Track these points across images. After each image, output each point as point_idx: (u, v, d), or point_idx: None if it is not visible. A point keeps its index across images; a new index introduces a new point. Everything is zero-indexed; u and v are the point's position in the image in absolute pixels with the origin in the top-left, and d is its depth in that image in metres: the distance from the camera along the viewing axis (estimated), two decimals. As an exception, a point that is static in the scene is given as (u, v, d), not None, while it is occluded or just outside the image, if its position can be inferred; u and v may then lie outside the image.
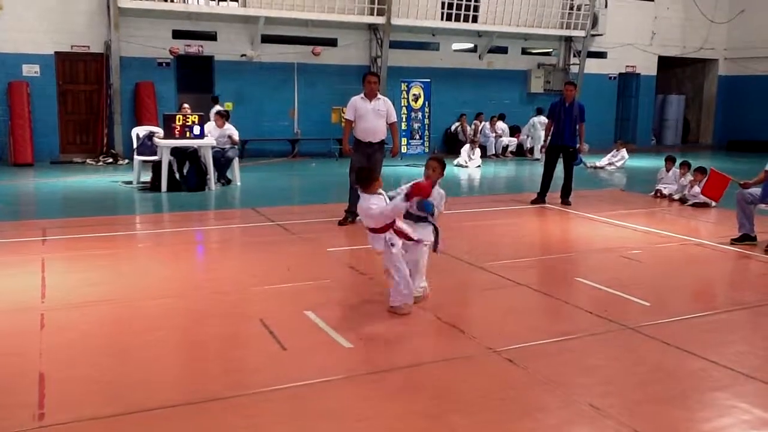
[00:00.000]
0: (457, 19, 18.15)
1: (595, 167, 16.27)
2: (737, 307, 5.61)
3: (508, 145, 19.24)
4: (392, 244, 5.02)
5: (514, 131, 19.65)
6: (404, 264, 5.06)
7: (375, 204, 4.98)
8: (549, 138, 10.74)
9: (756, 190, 7.72)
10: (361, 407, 3.68)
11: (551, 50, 20.75)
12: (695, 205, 10.43)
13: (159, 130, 12.09)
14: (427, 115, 16.80)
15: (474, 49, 19.58)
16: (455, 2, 17.94)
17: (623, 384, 4.01)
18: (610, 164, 16.36)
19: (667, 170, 11.62)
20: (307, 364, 4.15)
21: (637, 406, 3.71)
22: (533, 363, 4.22)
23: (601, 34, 20.54)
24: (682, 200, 10.77)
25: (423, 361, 4.27)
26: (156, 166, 11.34)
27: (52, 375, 3.94)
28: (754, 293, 6.15)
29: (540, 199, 10.59)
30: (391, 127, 8.67)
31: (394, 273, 5.04)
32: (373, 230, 5.04)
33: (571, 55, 20.77)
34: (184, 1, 15.71)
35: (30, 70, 14.95)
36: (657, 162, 14.55)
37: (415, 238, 5.10)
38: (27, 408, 3.53)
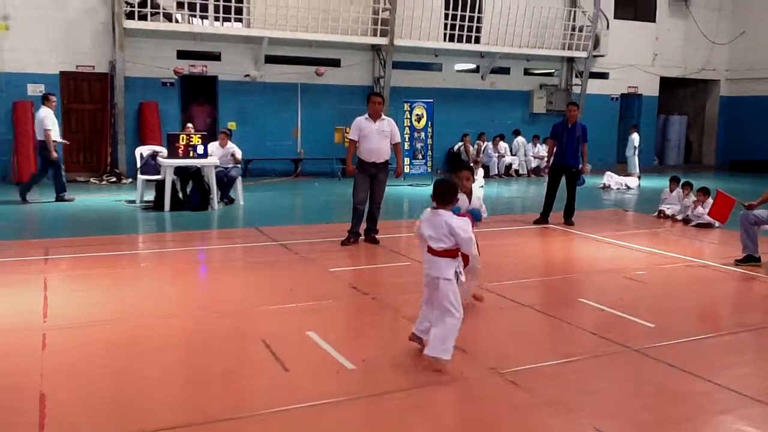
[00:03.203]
0: (460, 40, 18.26)
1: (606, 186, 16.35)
2: (742, 328, 5.58)
3: (511, 164, 19.29)
4: (460, 272, 4.53)
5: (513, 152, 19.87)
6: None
7: (463, 223, 4.34)
8: (552, 158, 10.77)
9: (760, 212, 7.71)
10: (364, 429, 3.65)
11: (553, 71, 20.85)
12: (699, 225, 10.41)
13: (162, 150, 12.13)
14: (429, 135, 16.85)
15: (476, 70, 19.67)
16: (458, 23, 18.06)
17: (628, 407, 3.98)
18: (627, 187, 16.35)
19: (671, 191, 11.61)
20: (309, 386, 4.12)
21: (641, 430, 3.67)
22: (537, 385, 4.19)
23: (602, 55, 20.65)
24: (686, 221, 10.75)
25: (426, 382, 4.23)
26: (159, 186, 11.36)
27: (53, 395, 3.92)
28: (758, 315, 6.12)
29: (543, 219, 10.58)
30: (395, 147, 8.71)
31: (453, 311, 4.33)
32: (445, 253, 4.35)
33: (573, 75, 20.87)
34: (188, 22, 15.85)
35: (35, 89, 15.01)
36: (659, 182, 14.56)
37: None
38: (28, 428, 3.52)
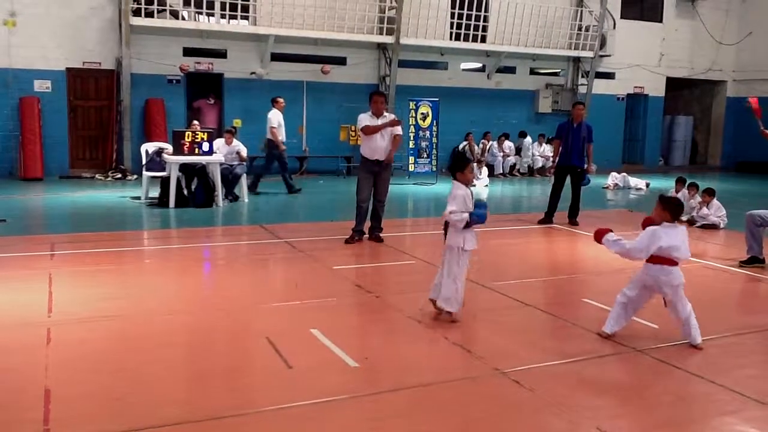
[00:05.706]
0: (466, 39, 18.24)
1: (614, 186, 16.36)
2: (746, 330, 5.56)
3: (515, 164, 19.27)
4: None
5: (518, 151, 19.83)
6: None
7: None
8: (557, 158, 10.75)
9: (766, 213, 7.68)
10: (367, 428, 3.66)
11: (559, 70, 20.81)
12: (704, 226, 10.40)
13: (168, 147, 12.16)
14: (435, 134, 16.87)
15: (482, 69, 19.65)
16: (464, 22, 18.05)
17: (631, 408, 3.98)
18: (638, 188, 16.33)
19: (677, 192, 11.58)
20: (312, 383, 4.13)
21: (645, 431, 3.67)
22: (541, 385, 4.19)
23: (609, 55, 20.60)
24: (691, 222, 10.72)
25: (429, 381, 4.24)
26: (164, 182, 11.39)
27: (57, 391, 3.93)
28: (763, 317, 6.11)
29: (547, 218, 10.56)
30: (394, 138, 8.59)
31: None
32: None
33: (579, 75, 20.83)
34: (195, 19, 15.87)
35: (41, 85, 15.08)
36: (664, 183, 14.52)
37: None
38: (32, 424, 3.53)
